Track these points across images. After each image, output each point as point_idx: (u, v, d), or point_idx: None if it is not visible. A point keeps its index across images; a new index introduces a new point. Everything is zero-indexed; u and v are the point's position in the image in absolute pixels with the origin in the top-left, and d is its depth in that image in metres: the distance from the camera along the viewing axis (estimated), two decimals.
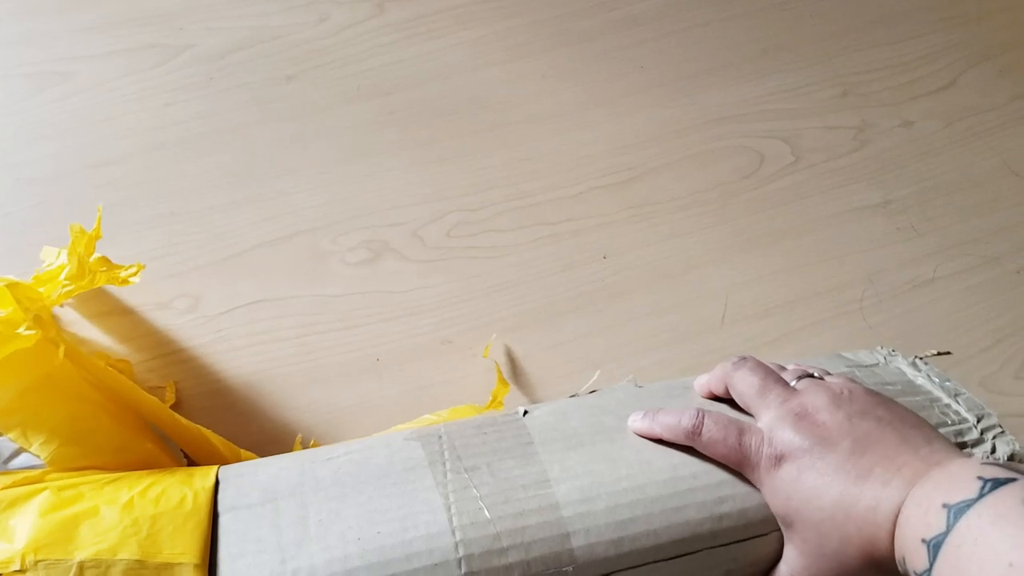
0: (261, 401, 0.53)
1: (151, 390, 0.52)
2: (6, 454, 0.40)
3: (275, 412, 0.53)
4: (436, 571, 0.35)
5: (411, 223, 0.61)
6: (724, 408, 0.41)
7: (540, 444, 0.39)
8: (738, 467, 0.38)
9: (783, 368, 0.42)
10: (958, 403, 0.42)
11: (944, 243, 0.61)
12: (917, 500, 0.33)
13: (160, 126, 0.64)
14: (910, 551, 0.32)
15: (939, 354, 0.48)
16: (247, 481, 0.39)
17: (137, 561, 0.35)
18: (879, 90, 0.70)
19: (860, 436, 0.36)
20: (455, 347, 0.55)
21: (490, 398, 0.52)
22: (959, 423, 0.41)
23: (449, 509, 0.36)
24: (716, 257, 0.60)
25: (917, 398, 0.42)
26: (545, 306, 0.57)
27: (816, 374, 0.41)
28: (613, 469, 0.38)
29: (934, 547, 0.31)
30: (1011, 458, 0.39)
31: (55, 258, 0.52)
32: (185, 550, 0.35)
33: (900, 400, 0.40)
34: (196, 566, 0.35)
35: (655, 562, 0.37)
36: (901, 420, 0.37)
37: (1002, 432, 0.41)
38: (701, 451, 0.38)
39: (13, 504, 0.36)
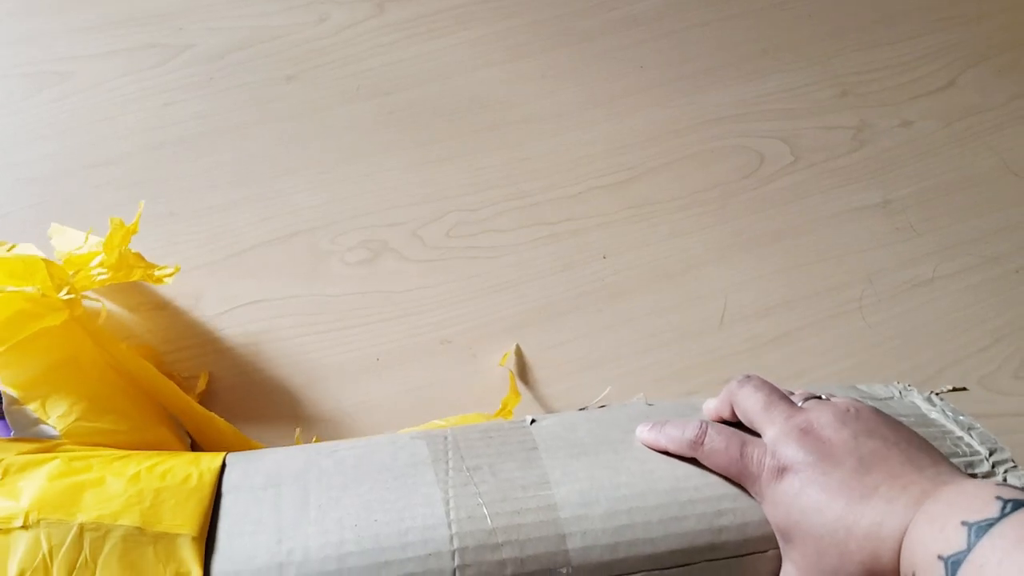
0: (261, 401, 0.53)
1: (184, 380, 0.53)
2: (26, 423, 0.42)
3: (275, 412, 0.53)
4: (429, 560, 0.35)
5: (411, 223, 0.61)
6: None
7: (544, 450, 0.39)
8: (739, 479, 0.37)
9: (791, 392, 0.42)
10: (971, 436, 0.42)
11: (943, 243, 0.61)
12: (931, 517, 0.32)
13: (159, 126, 0.64)
14: (924, 567, 0.31)
15: (954, 390, 0.48)
16: (252, 466, 0.39)
17: (137, 528, 0.35)
18: (878, 90, 0.70)
19: (865, 454, 0.35)
20: (455, 347, 0.55)
21: (500, 406, 0.52)
22: (971, 455, 0.41)
23: (447, 503, 0.36)
24: (716, 257, 0.60)
25: (930, 430, 0.42)
26: (545, 306, 0.57)
27: (823, 396, 0.41)
28: (614, 476, 0.38)
29: (952, 564, 0.30)
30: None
31: (83, 241, 0.54)
32: (185, 523, 0.36)
33: None
34: (194, 538, 0.35)
35: (651, 570, 0.36)
36: (907, 441, 0.37)
37: (1014, 466, 0.40)
38: (704, 462, 0.38)
39: (24, 468, 0.37)
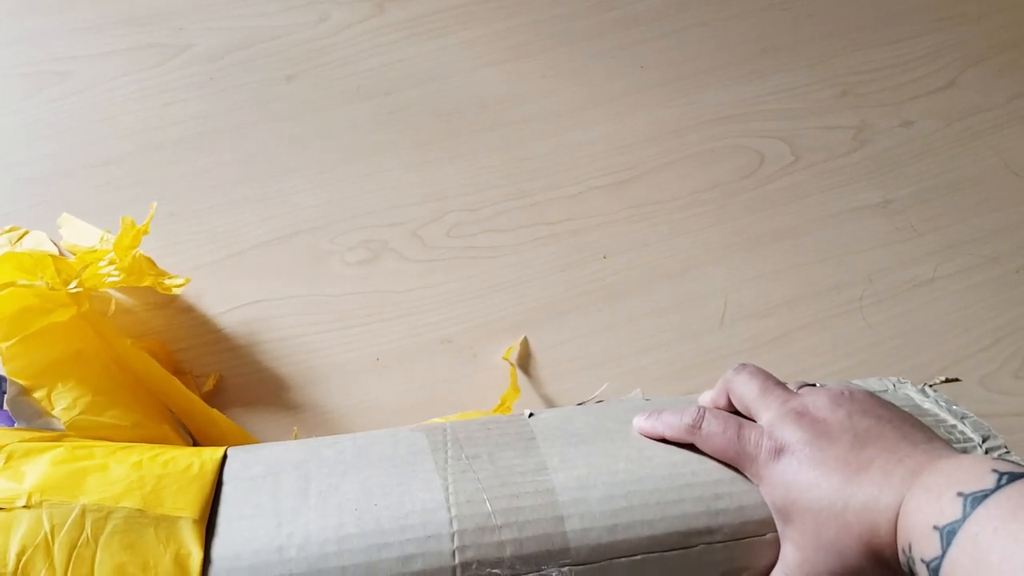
0: (261, 400, 0.53)
1: (195, 378, 0.53)
2: (31, 415, 0.43)
3: (275, 411, 0.53)
4: (428, 543, 0.35)
5: (411, 223, 0.61)
6: None
7: (542, 440, 0.39)
8: (736, 461, 0.38)
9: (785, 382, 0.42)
10: (964, 424, 0.42)
11: (944, 242, 0.61)
12: (927, 487, 0.32)
13: (159, 126, 0.64)
14: (919, 537, 0.32)
15: (948, 381, 0.48)
16: (253, 457, 0.40)
17: (138, 510, 0.36)
18: (878, 90, 0.70)
19: (860, 431, 0.36)
20: (455, 347, 0.55)
21: (499, 401, 0.52)
22: (964, 442, 0.41)
23: (447, 489, 0.37)
24: (716, 257, 0.60)
25: (924, 419, 0.42)
26: (545, 306, 0.57)
27: (817, 384, 0.41)
28: (611, 463, 0.38)
29: (948, 534, 0.30)
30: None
31: (97, 240, 0.55)
32: (186, 506, 0.36)
33: None
34: (195, 521, 0.36)
35: (650, 553, 0.37)
36: (902, 420, 0.37)
37: (1007, 452, 0.41)
38: (701, 447, 0.38)
39: (27, 454, 0.38)
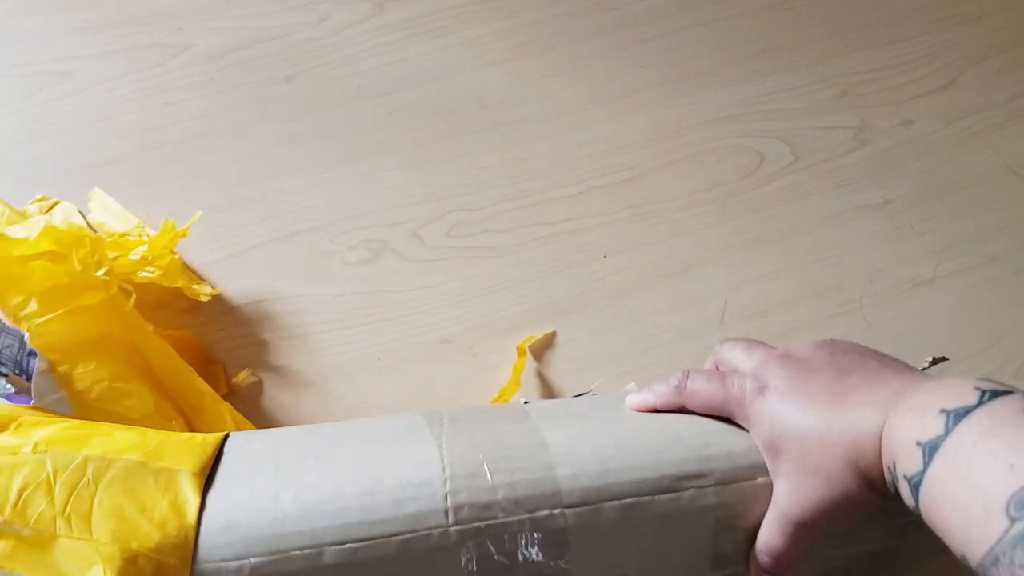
0: (260, 401, 0.53)
1: (225, 369, 0.53)
2: (48, 394, 0.44)
3: (275, 411, 0.53)
4: (421, 488, 0.36)
5: (411, 223, 0.61)
6: None
7: (537, 416, 0.41)
8: (724, 408, 0.39)
9: None
10: None
11: (944, 242, 0.61)
12: (911, 405, 0.33)
13: (159, 126, 0.64)
14: (903, 454, 0.32)
15: (935, 361, 0.48)
16: (254, 435, 0.41)
17: (139, 462, 0.37)
18: (878, 90, 0.70)
19: (843, 364, 0.37)
20: (455, 347, 0.55)
21: (496, 395, 0.52)
22: None
23: (440, 447, 0.38)
24: (716, 257, 0.60)
25: None
26: (545, 306, 0.57)
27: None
28: (604, 426, 0.40)
29: (930, 449, 0.31)
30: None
31: (130, 227, 0.57)
32: (187, 462, 0.37)
33: None
34: (194, 473, 0.37)
35: (640, 496, 0.37)
36: (883, 357, 0.38)
37: None
38: (689, 405, 0.39)
39: (38, 424, 0.39)
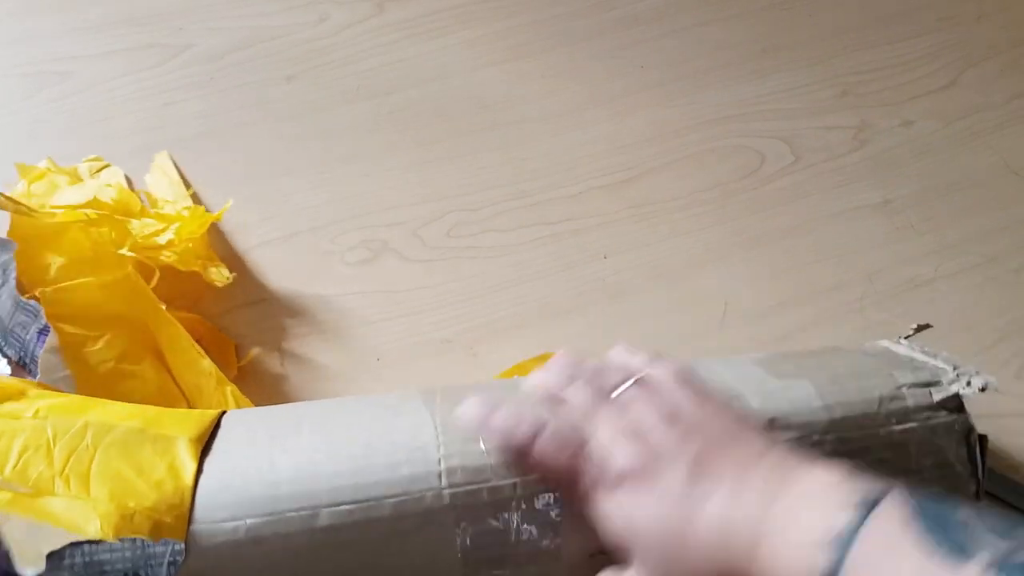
0: (261, 401, 0.53)
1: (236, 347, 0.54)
2: (53, 371, 0.44)
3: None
4: (415, 452, 0.37)
5: (411, 223, 0.61)
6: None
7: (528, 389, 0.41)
8: (568, 489, 0.36)
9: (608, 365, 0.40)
10: (936, 360, 0.43)
11: (944, 242, 0.61)
12: (780, 529, 0.31)
13: (159, 126, 0.64)
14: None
15: (920, 328, 0.47)
16: (250, 410, 0.43)
17: (139, 429, 0.38)
18: (879, 90, 0.70)
19: (697, 456, 0.34)
20: (455, 347, 0.55)
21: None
22: (935, 372, 0.42)
23: (435, 416, 0.39)
24: (716, 257, 0.60)
25: (898, 362, 0.43)
26: (545, 306, 0.57)
27: (643, 373, 0.39)
28: None
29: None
30: (983, 390, 0.40)
31: (177, 203, 0.57)
32: (185, 431, 0.38)
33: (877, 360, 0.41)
34: (191, 439, 0.38)
35: None
36: (733, 436, 0.35)
37: (977, 373, 0.41)
38: (531, 465, 0.37)
39: (41, 396, 0.40)
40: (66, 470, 0.36)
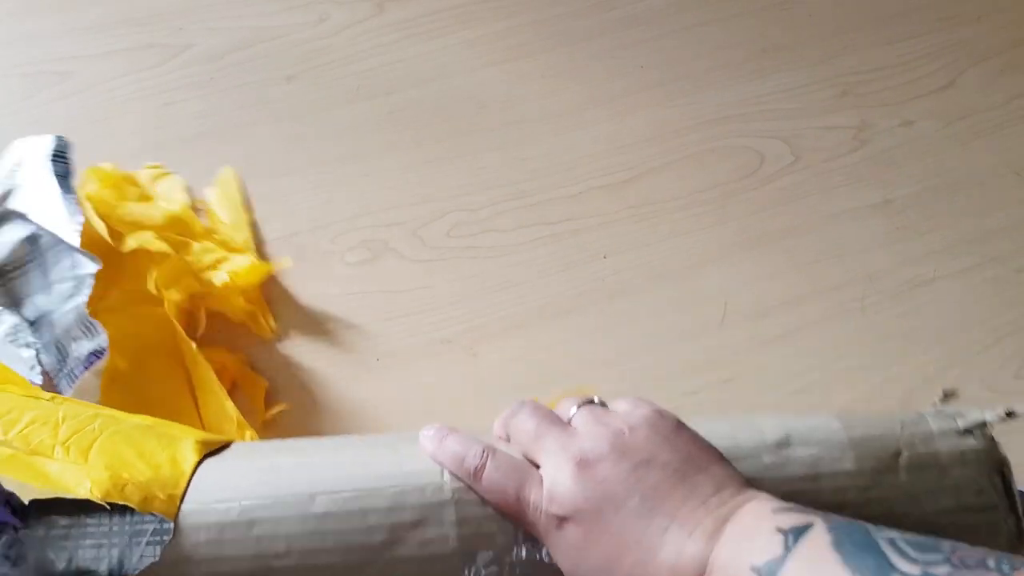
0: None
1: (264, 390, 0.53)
2: (89, 397, 0.45)
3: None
4: (419, 456, 0.37)
5: (411, 223, 0.60)
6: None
7: None
8: (517, 521, 0.36)
9: (581, 399, 0.39)
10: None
11: (944, 242, 0.61)
12: (723, 565, 0.31)
13: (159, 126, 0.64)
14: None
15: (947, 397, 0.46)
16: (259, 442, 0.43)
17: (147, 426, 0.38)
18: (879, 90, 0.70)
19: (647, 492, 0.33)
20: (455, 347, 0.55)
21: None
22: (961, 411, 0.40)
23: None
24: (716, 257, 0.60)
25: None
26: (545, 306, 0.57)
27: (596, 399, 0.39)
28: None
29: None
30: (1010, 415, 0.38)
31: (235, 232, 0.57)
32: (192, 436, 0.38)
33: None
34: (197, 441, 0.38)
35: None
36: (687, 460, 0.35)
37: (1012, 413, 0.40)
38: (482, 496, 0.36)
39: (55, 399, 0.41)
40: (68, 442, 0.36)
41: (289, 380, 0.53)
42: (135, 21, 0.70)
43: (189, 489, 0.36)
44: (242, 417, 0.48)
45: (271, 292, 0.57)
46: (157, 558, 0.34)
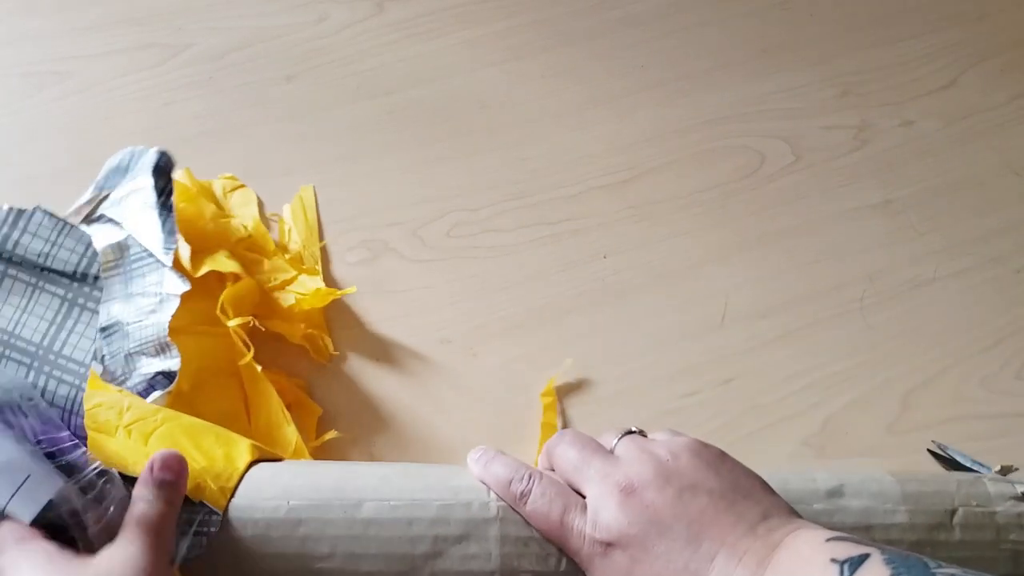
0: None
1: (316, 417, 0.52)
2: (137, 388, 0.45)
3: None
4: (466, 475, 0.38)
5: (411, 223, 0.60)
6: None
7: None
8: (561, 546, 0.35)
9: (616, 430, 0.40)
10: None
11: (945, 242, 0.61)
12: None
13: (159, 126, 0.64)
14: None
15: (1007, 470, 0.46)
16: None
17: (207, 426, 0.40)
18: (879, 89, 0.69)
19: (694, 518, 0.33)
20: (455, 347, 0.55)
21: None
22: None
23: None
24: (716, 257, 0.60)
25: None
26: (545, 306, 0.57)
27: (634, 429, 0.39)
28: None
29: None
30: None
31: (305, 255, 0.57)
32: (247, 440, 0.40)
33: None
34: (253, 445, 0.39)
35: None
36: (734, 488, 0.35)
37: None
38: (527, 520, 0.36)
39: (122, 391, 0.42)
40: (131, 426, 0.38)
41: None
42: (135, 21, 0.70)
43: (240, 487, 0.36)
44: (302, 443, 0.47)
45: None
46: (203, 549, 0.34)
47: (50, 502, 0.33)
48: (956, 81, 0.70)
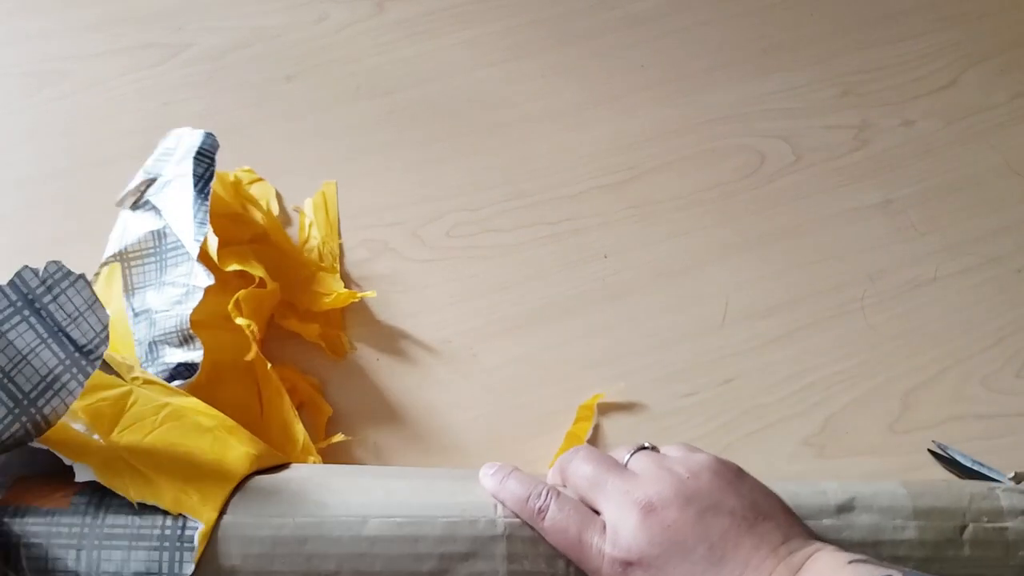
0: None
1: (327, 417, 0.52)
2: (163, 369, 0.45)
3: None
4: (474, 490, 0.38)
5: (411, 223, 0.60)
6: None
7: None
8: (579, 564, 0.35)
9: (629, 446, 0.39)
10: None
11: (945, 242, 0.61)
12: None
13: (159, 125, 0.64)
14: None
15: (1019, 478, 0.46)
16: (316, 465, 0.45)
17: (207, 427, 0.39)
18: (880, 89, 0.69)
19: (716, 539, 0.33)
20: (455, 347, 0.55)
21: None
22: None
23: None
24: (717, 257, 0.60)
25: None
26: (545, 306, 0.57)
27: (647, 444, 0.38)
28: None
29: None
30: None
31: (326, 248, 0.57)
32: (250, 447, 0.39)
33: None
34: (251, 454, 0.39)
35: None
36: (754, 508, 0.34)
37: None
38: (544, 537, 0.36)
39: (136, 380, 0.42)
40: (126, 420, 0.37)
41: None
42: (135, 21, 0.70)
43: (244, 502, 0.36)
44: (310, 442, 0.48)
45: None
46: (192, 566, 0.34)
47: None
48: (956, 81, 0.70)
